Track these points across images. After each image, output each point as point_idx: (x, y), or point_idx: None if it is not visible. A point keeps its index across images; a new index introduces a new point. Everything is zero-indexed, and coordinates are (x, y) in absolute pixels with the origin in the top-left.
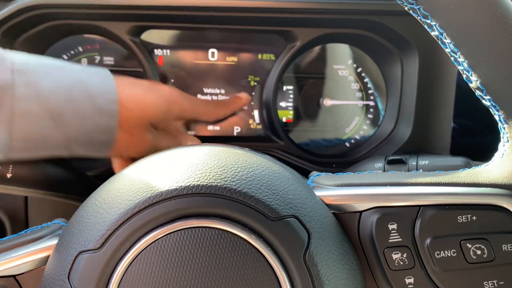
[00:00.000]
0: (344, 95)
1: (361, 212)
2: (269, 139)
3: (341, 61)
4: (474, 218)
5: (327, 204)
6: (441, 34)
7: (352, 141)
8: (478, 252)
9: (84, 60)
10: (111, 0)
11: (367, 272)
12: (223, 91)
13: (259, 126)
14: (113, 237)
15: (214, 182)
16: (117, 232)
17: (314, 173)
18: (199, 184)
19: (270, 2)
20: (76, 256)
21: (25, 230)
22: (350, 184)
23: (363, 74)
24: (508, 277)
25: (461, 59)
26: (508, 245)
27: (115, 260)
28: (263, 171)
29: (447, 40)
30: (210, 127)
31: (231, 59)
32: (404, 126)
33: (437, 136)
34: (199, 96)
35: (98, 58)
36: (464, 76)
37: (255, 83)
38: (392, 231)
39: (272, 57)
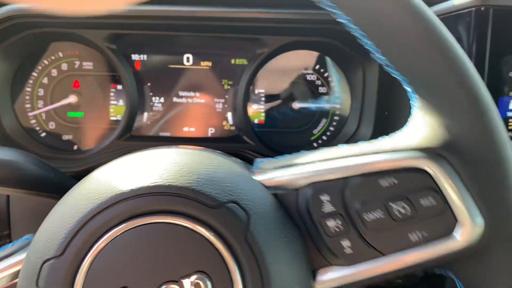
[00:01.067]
0: (312, 98)
1: (297, 189)
2: (241, 140)
3: (309, 66)
4: (395, 181)
5: (267, 187)
6: (348, 21)
7: (320, 141)
8: (402, 210)
9: (65, 65)
10: None
11: (309, 241)
12: (198, 94)
13: (232, 128)
14: (72, 243)
15: (157, 182)
16: (75, 238)
17: (257, 159)
18: (143, 186)
19: (239, 12)
20: (42, 265)
21: None
22: (286, 166)
23: (329, 79)
24: (429, 228)
25: (369, 41)
26: (427, 200)
27: (76, 263)
28: (202, 165)
29: (355, 26)
30: (186, 129)
31: (206, 64)
32: (366, 128)
33: None
34: (175, 99)
35: (78, 63)
36: (373, 56)
37: (229, 87)
38: (326, 202)
39: (245, 62)
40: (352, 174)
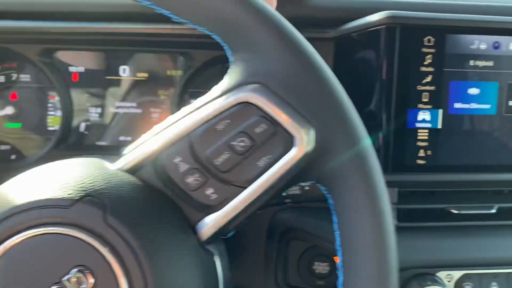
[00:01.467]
0: None
1: (153, 161)
2: None
3: None
4: (228, 121)
5: (127, 170)
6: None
7: None
8: (242, 144)
9: (2, 78)
10: (20, 24)
11: (180, 202)
12: (134, 104)
13: None
14: None
15: (16, 203)
16: None
17: (124, 148)
18: (5, 210)
19: (165, 29)
20: None
21: None
22: (139, 145)
23: None
24: (271, 150)
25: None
26: (259, 127)
27: None
28: (55, 173)
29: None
30: (122, 138)
31: (142, 75)
32: None
33: None
34: (111, 109)
35: (15, 75)
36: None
37: (165, 97)
38: (179, 163)
39: (180, 73)
40: (191, 130)
